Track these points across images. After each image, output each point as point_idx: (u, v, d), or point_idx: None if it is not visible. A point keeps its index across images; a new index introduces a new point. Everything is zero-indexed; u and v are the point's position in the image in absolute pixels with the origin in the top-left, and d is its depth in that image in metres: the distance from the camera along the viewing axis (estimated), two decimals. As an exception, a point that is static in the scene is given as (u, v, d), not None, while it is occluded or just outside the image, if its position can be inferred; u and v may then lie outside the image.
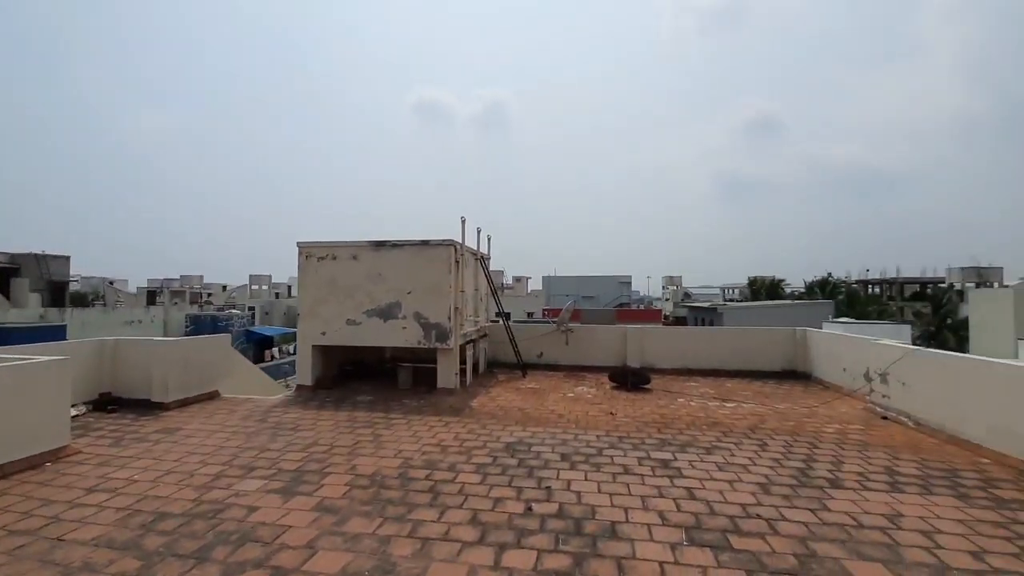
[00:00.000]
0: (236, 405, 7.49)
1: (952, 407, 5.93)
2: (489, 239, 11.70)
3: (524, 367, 10.47)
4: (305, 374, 8.70)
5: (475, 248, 10.47)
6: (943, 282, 62.88)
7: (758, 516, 3.75)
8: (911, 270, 67.44)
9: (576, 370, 10.90)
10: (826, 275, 58.92)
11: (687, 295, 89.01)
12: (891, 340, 7.29)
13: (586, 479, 4.44)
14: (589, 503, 3.93)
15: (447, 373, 8.43)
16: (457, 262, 8.67)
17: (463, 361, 9.02)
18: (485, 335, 11.08)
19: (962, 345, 43.77)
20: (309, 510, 3.83)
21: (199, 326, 32.31)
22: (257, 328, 38.82)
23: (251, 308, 46.05)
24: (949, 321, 48.28)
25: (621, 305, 66.16)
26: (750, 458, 5.15)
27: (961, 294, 55.48)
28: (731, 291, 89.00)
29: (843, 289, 57.21)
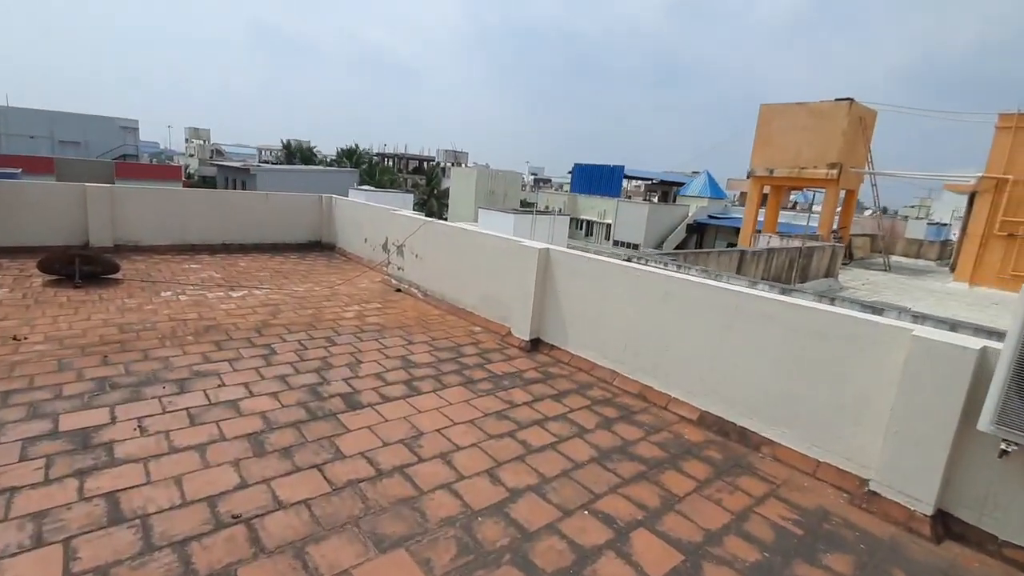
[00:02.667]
0: None
1: (454, 278, 5.93)
2: None
3: None
4: None
5: None
6: (434, 160, 76.75)
7: (232, 520, 2.18)
8: (415, 148, 78.87)
9: (-20, 255, 6.38)
10: (354, 145, 61.47)
11: (218, 152, 77.16)
12: (408, 211, 6.88)
13: None
14: None
15: None
16: None
17: None
18: None
19: (442, 211, 55.24)
20: None
21: None
22: None
23: None
24: (436, 192, 59.29)
25: (124, 157, 50.30)
26: (247, 383, 3.51)
27: (444, 170, 69.19)
28: (268, 153, 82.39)
29: (367, 160, 61.38)
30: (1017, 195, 11.78)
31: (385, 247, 7.51)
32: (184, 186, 34.54)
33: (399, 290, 6.70)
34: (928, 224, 37.01)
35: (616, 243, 46.34)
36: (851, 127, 14.80)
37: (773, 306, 3.18)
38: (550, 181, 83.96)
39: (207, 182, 49.46)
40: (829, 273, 11.12)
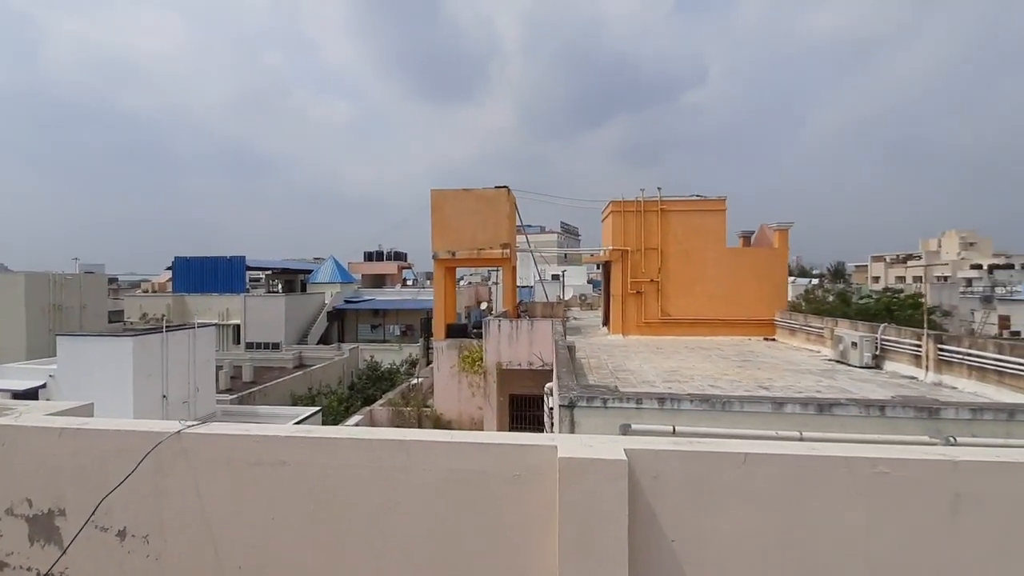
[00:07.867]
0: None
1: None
2: None
3: None
4: None
5: None
6: None
7: None
8: None
9: None
10: None
11: None
12: (65, 411, 2.43)
13: None
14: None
15: None
16: None
17: None
18: None
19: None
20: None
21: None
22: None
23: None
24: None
25: None
26: None
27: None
28: None
29: None
30: (635, 261, 15.57)
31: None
32: None
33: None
34: (519, 287, 46.05)
35: (250, 345, 39.01)
36: (511, 210, 16.52)
37: None
38: (116, 280, 64.74)
39: None
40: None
